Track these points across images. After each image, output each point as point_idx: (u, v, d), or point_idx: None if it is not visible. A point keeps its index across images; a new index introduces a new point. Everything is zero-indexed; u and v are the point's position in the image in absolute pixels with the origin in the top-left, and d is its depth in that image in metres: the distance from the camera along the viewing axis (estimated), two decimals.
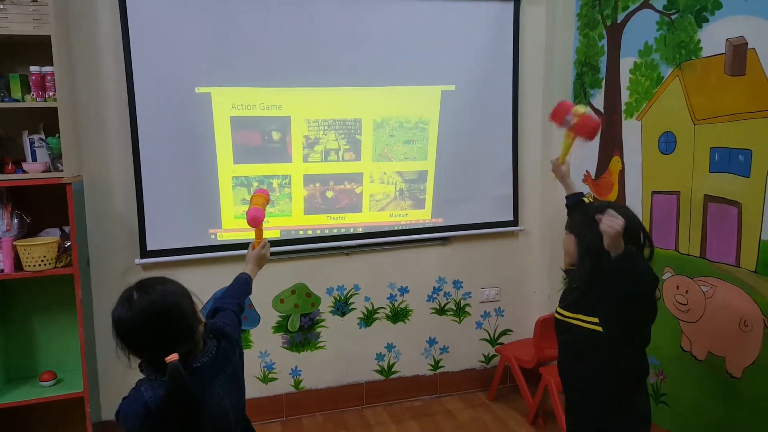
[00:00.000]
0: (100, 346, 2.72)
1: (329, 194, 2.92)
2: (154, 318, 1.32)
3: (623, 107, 2.78)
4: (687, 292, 2.45)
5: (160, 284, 1.38)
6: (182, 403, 1.29)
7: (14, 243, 2.32)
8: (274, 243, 2.80)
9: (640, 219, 1.90)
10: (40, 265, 2.33)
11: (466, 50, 3.00)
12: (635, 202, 2.72)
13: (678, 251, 2.49)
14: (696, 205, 2.40)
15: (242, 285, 1.82)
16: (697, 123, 2.38)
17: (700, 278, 2.37)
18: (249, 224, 1.91)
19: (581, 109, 2.08)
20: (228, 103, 2.72)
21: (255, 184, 2.81)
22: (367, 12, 2.83)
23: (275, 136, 2.81)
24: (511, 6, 3.07)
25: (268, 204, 1.99)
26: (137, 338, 1.33)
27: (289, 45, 2.75)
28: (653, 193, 2.62)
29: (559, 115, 2.13)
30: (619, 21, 2.78)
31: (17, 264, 2.34)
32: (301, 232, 2.91)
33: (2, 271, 2.31)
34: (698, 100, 2.37)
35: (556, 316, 1.90)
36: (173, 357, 1.28)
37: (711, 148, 2.31)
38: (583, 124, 2.06)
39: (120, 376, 2.74)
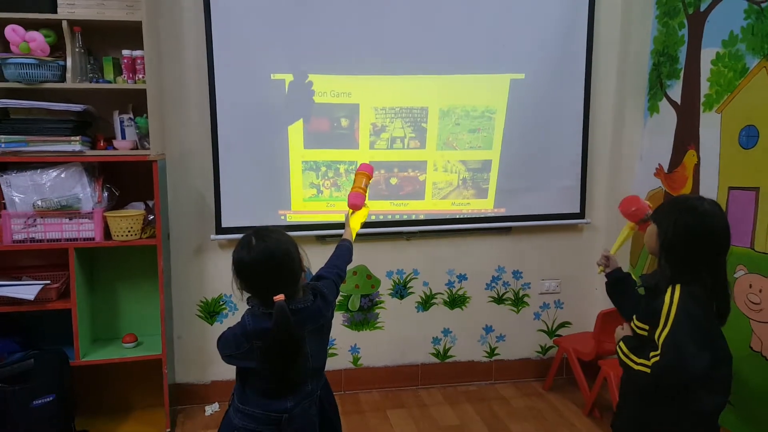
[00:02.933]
0: (177, 313, 2.91)
1: (393, 181, 2.97)
2: (268, 261, 1.53)
3: (702, 99, 2.68)
4: (761, 291, 2.36)
5: (275, 233, 1.59)
6: (284, 335, 1.50)
7: (104, 214, 2.50)
8: (337, 227, 2.90)
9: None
10: (126, 235, 2.51)
11: (537, 38, 2.95)
12: (710, 197, 2.61)
13: (753, 249, 2.40)
14: None
15: (344, 252, 1.94)
16: None
17: None
18: (349, 207, 2.06)
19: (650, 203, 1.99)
20: (302, 89, 2.80)
21: (323, 168, 2.90)
22: (436, 1, 2.84)
23: (344, 122, 2.89)
24: None
25: (371, 180, 2.10)
26: (251, 277, 1.55)
27: (359, 33, 2.81)
28: (730, 188, 2.53)
29: (638, 212, 1.98)
30: (702, 9, 2.66)
31: (106, 234, 2.52)
32: None
33: (93, 239, 2.49)
34: None
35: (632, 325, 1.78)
36: (280, 297, 1.50)
37: None
38: None
39: (194, 341, 2.95)
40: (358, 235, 2.05)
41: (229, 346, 1.62)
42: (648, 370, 1.57)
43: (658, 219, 1.69)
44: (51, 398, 2.38)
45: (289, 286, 1.56)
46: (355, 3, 2.79)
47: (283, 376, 1.57)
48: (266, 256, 1.53)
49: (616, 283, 1.82)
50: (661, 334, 1.56)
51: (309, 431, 1.69)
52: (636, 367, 1.61)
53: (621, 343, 1.71)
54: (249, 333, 1.55)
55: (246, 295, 1.60)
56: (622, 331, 1.76)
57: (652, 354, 1.57)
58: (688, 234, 1.60)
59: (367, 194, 2.08)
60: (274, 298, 1.50)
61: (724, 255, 1.64)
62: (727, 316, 1.67)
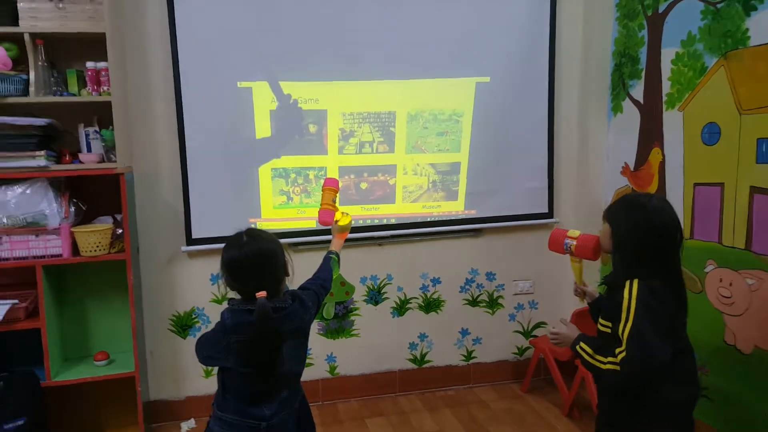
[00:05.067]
0: (148, 328, 2.86)
1: (363, 185, 2.98)
2: (256, 259, 1.61)
3: (664, 98, 2.73)
4: (731, 284, 2.40)
5: (265, 234, 1.68)
6: (266, 327, 1.55)
7: (72, 230, 2.46)
8: (309, 233, 2.90)
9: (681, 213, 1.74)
10: (95, 250, 2.47)
11: (501, 42, 3.00)
12: (676, 194, 2.67)
13: (721, 243, 2.44)
14: (741, 197, 2.35)
15: (328, 264, 2.00)
16: (743, 113, 2.33)
17: (746, 271, 2.32)
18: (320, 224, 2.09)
19: (575, 232, 2.00)
20: (268, 97, 2.81)
21: (293, 175, 2.90)
22: (402, 5, 2.87)
23: (312, 128, 2.89)
24: None
25: (337, 193, 2.12)
26: (238, 272, 1.62)
27: (325, 40, 2.82)
28: (695, 184, 2.57)
29: (556, 243, 2.04)
30: (660, 11, 2.73)
31: (74, 249, 2.48)
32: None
33: (61, 255, 2.45)
34: (745, 90, 2.31)
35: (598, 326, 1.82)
36: (262, 294, 1.57)
37: (758, 138, 2.26)
38: (582, 245, 1.94)
39: (167, 357, 2.91)
40: (328, 242, 2.06)
41: (208, 345, 1.66)
42: (617, 368, 1.59)
43: (610, 218, 1.72)
44: (22, 422, 2.32)
45: (272, 285, 1.62)
46: (320, 10, 2.80)
47: (261, 373, 1.59)
48: (255, 254, 1.60)
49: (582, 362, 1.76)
50: (624, 328, 1.58)
51: None
52: (605, 367, 1.63)
53: (582, 345, 1.71)
54: (228, 328, 1.60)
55: (231, 292, 1.66)
56: (566, 327, 1.79)
57: (617, 350, 1.59)
58: (638, 230, 1.64)
59: (336, 207, 2.09)
60: (257, 294, 1.56)
61: (676, 248, 1.66)
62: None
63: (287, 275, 1.68)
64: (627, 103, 2.98)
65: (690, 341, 1.74)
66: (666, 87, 2.72)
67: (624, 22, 2.97)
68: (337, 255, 2.04)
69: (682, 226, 1.65)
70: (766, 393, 2.24)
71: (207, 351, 1.66)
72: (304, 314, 1.71)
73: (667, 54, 2.70)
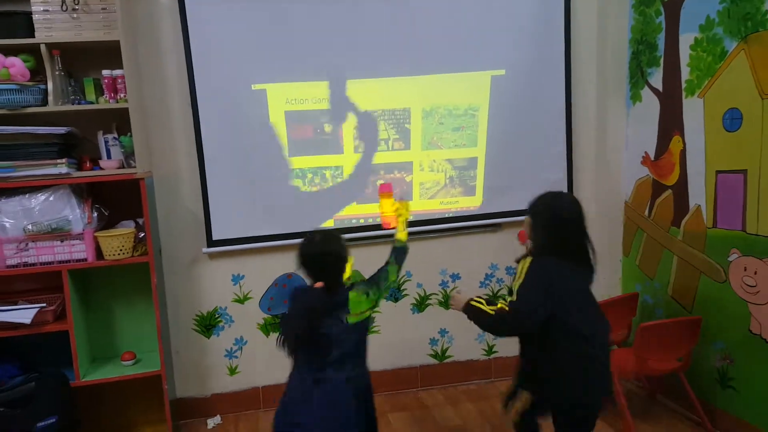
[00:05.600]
0: (173, 328, 2.92)
1: (380, 183, 2.97)
2: (324, 256, 1.91)
3: (683, 85, 2.68)
4: (756, 273, 2.36)
5: (335, 235, 1.99)
6: (306, 312, 1.85)
7: (95, 234, 2.52)
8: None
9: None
10: (118, 254, 2.52)
11: (515, 34, 2.96)
12: (698, 182, 2.63)
13: (745, 231, 2.40)
14: (765, 184, 2.30)
15: (383, 267, 2.14)
16: (765, 98, 2.27)
17: None
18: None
19: None
20: (282, 98, 2.82)
21: (309, 175, 2.91)
22: (412, 1, 2.85)
23: (327, 128, 2.90)
24: None
25: (392, 196, 2.29)
26: (309, 264, 1.92)
27: (337, 39, 2.82)
28: (717, 172, 2.53)
29: (522, 237, 2.28)
30: None
31: (98, 254, 2.54)
32: (353, 221, 3.00)
33: (86, 260, 2.51)
34: (767, 74, 2.25)
35: None
36: (320, 284, 1.88)
37: None
38: (521, 235, 2.29)
39: (192, 356, 2.97)
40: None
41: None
42: (500, 311, 1.89)
43: (530, 212, 2.03)
44: (53, 420, 2.39)
45: (331, 279, 1.91)
46: (332, 9, 2.79)
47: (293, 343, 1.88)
48: (324, 251, 1.92)
49: (471, 311, 2.00)
50: (514, 287, 1.91)
51: (340, 406, 1.88)
52: (492, 312, 1.92)
53: (476, 298, 1.99)
54: (299, 291, 1.99)
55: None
56: (459, 294, 2.06)
57: (509, 298, 1.91)
58: (549, 222, 1.96)
59: (395, 211, 2.25)
60: (315, 284, 1.88)
61: (576, 234, 1.94)
62: (592, 275, 1.99)
63: (345, 273, 1.96)
64: (646, 92, 2.93)
65: (593, 314, 1.97)
66: (685, 73, 2.67)
67: (640, 9, 2.91)
68: (404, 248, 2.19)
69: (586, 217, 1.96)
70: None
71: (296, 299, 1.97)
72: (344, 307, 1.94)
73: (686, 40, 2.64)
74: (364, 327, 1.99)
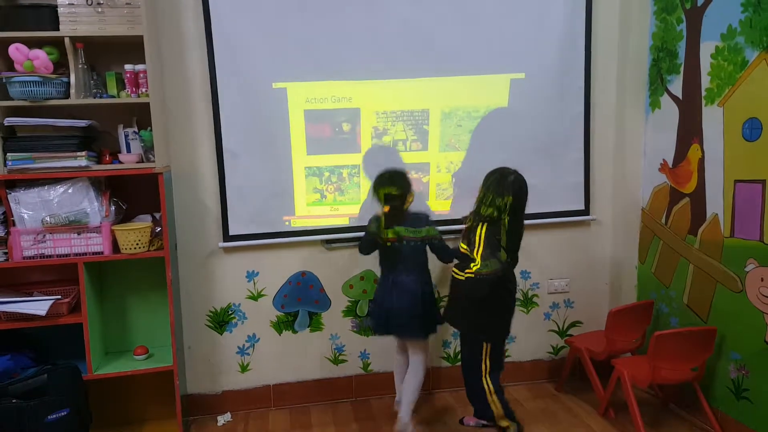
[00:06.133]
0: (186, 323, 2.92)
1: None
2: (391, 179, 2.59)
3: (703, 93, 2.68)
4: None
5: (401, 173, 2.63)
6: (378, 224, 2.60)
7: (112, 228, 2.53)
8: (342, 230, 2.93)
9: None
10: (134, 248, 2.53)
11: (536, 37, 2.96)
12: (716, 191, 2.62)
13: (763, 242, 2.39)
14: None
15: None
16: None
17: None
18: None
19: None
20: (302, 97, 2.83)
21: (326, 173, 2.91)
22: (435, 2, 2.86)
23: (345, 127, 2.90)
24: None
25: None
26: (378, 188, 2.59)
27: (359, 39, 2.83)
28: (736, 181, 2.52)
29: None
30: (699, 4, 2.67)
31: (115, 247, 2.55)
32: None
33: (102, 253, 2.52)
34: None
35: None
36: (386, 208, 2.56)
37: None
38: None
39: (204, 352, 2.97)
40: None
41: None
42: (472, 275, 2.37)
43: (483, 185, 2.49)
44: (65, 413, 2.39)
45: (395, 204, 2.56)
46: (353, 9, 2.81)
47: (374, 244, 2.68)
48: (391, 174, 2.60)
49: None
50: (478, 252, 2.38)
51: (408, 297, 2.60)
52: (464, 277, 2.43)
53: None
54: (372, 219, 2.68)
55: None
56: None
57: (472, 265, 2.37)
58: (490, 196, 2.42)
59: None
60: (384, 208, 2.56)
61: (515, 213, 2.43)
62: (513, 250, 2.50)
63: (409, 201, 2.61)
64: (665, 99, 2.93)
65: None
66: (705, 82, 2.66)
67: (662, 16, 2.91)
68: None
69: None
70: None
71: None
72: (419, 228, 2.63)
73: (707, 48, 2.64)
74: (422, 249, 2.65)
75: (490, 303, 2.45)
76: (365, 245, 2.71)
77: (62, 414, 2.39)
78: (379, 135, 2.94)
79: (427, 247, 2.67)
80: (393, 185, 2.55)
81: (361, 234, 2.74)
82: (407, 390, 2.66)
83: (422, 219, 2.64)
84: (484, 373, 2.56)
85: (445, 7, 2.87)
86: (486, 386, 2.56)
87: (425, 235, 2.62)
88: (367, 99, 2.89)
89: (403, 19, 2.85)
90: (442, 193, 3.03)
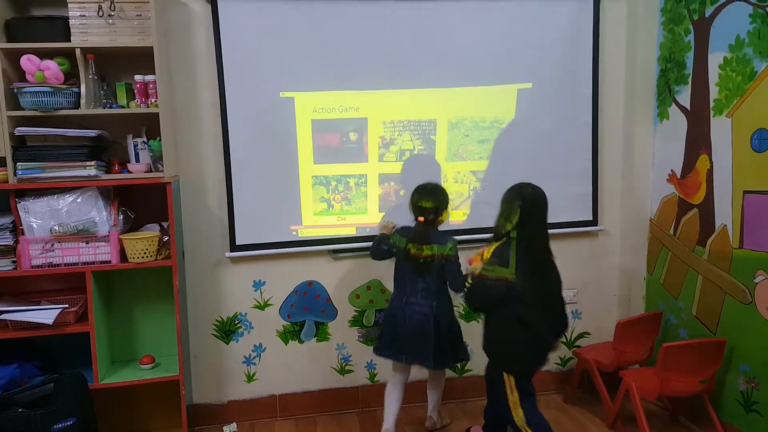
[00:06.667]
0: (193, 332, 2.92)
1: (403, 192, 2.98)
2: (432, 192, 2.54)
3: (711, 104, 2.67)
4: None
5: (437, 192, 2.55)
6: (411, 238, 2.54)
7: (120, 237, 2.53)
8: (349, 240, 2.93)
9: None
10: (142, 257, 2.53)
11: (543, 48, 2.97)
12: (725, 202, 2.61)
13: None
14: None
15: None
16: None
17: None
18: None
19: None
20: (310, 106, 2.84)
21: (333, 183, 2.92)
22: (442, 13, 2.87)
23: (352, 137, 2.91)
24: (590, 2, 3.01)
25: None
26: (417, 199, 2.54)
27: (366, 49, 2.85)
28: (745, 192, 2.51)
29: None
30: (707, 15, 2.67)
31: (122, 256, 2.55)
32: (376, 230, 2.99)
33: (110, 262, 2.52)
34: None
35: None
36: (421, 218, 2.52)
37: None
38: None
39: (211, 361, 2.96)
40: (370, 249, 2.19)
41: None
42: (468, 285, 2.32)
43: (501, 200, 2.35)
44: (71, 422, 2.39)
45: (431, 216, 2.52)
46: (361, 19, 2.83)
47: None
48: (423, 196, 2.53)
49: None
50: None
51: (419, 319, 2.52)
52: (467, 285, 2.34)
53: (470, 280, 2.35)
54: (403, 227, 2.63)
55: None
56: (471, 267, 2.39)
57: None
58: (508, 211, 2.29)
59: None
60: (418, 218, 2.52)
61: (532, 223, 2.28)
62: (544, 263, 2.33)
63: (443, 219, 2.57)
64: (673, 109, 2.92)
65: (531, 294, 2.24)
66: (713, 92, 2.66)
67: (669, 27, 2.92)
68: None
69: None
70: None
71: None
72: (443, 247, 2.53)
73: (715, 59, 2.64)
74: (439, 270, 2.54)
75: (505, 327, 2.28)
76: (381, 252, 2.64)
77: (68, 423, 2.39)
78: (386, 145, 2.94)
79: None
80: (431, 198, 2.50)
81: (369, 243, 2.72)
82: (432, 399, 2.80)
83: (448, 238, 2.56)
84: (513, 406, 2.31)
85: (453, 18, 2.89)
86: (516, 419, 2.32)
87: (446, 252, 2.52)
88: (375, 108, 2.90)
89: (411, 30, 2.86)
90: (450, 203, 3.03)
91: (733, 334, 2.58)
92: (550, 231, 3.05)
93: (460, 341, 2.64)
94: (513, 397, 2.30)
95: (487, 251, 2.30)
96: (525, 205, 2.26)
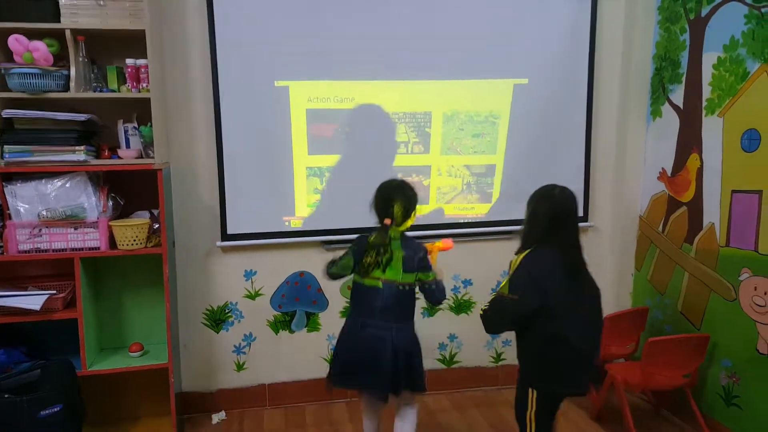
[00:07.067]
0: (182, 321, 2.90)
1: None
2: (399, 188, 2.20)
3: (704, 103, 2.70)
4: (766, 293, 2.38)
5: (407, 190, 2.20)
6: (378, 241, 2.15)
7: (110, 223, 2.50)
8: (343, 232, 2.91)
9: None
10: (132, 244, 2.50)
11: (540, 43, 2.97)
12: (713, 200, 2.65)
13: (758, 252, 2.42)
14: None
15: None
16: None
17: None
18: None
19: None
20: (304, 96, 2.82)
21: (327, 174, 2.90)
22: (440, 6, 2.85)
23: (348, 128, 2.89)
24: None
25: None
26: (375, 204, 2.20)
27: (363, 39, 2.82)
28: (733, 191, 2.55)
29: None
30: (703, 15, 2.69)
31: (112, 243, 2.52)
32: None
33: (98, 248, 2.48)
34: None
35: None
36: (388, 221, 2.15)
37: None
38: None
39: (200, 350, 2.95)
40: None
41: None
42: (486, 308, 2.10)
43: (528, 203, 2.14)
44: (58, 408, 2.36)
45: (398, 220, 2.16)
46: (357, 9, 2.80)
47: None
48: (387, 195, 2.17)
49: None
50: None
51: (372, 349, 2.14)
52: (482, 311, 2.13)
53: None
54: (360, 236, 2.24)
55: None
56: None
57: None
58: (536, 215, 2.08)
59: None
60: (385, 220, 2.16)
61: (565, 227, 2.05)
62: (580, 270, 2.09)
63: (411, 221, 2.21)
64: (666, 108, 2.95)
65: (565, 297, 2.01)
66: (706, 92, 2.69)
67: (665, 26, 2.93)
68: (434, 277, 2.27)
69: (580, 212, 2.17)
70: None
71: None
72: (412, 259, 2.18)
73: (709, 58, 2.66)
74: (411, 294, 2.22)
75: (537, 344, 2.02)
76: (332, 275, 2.28)
77: (55, 410, 2.36)
78: (381, 137, 2.93)
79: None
80: (399, 196, 2.16)
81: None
82: None
83: (415, 257, 2.18)
84: (529, 420, 2.09)
85: (449, 10, 2.87)
86: None
87: (417, 279, 2.20)
88: (370, 99, 2.88)
89: (407, 21, 2.84)
90: (442, 197, 3.04)
91: (716, 330, 2.64)
92: None
93: (418, 371, 2.26)
94: (530, 411, 2.08)
95: (514, 262, 2.04)
96: (556, 209, 2.02)
